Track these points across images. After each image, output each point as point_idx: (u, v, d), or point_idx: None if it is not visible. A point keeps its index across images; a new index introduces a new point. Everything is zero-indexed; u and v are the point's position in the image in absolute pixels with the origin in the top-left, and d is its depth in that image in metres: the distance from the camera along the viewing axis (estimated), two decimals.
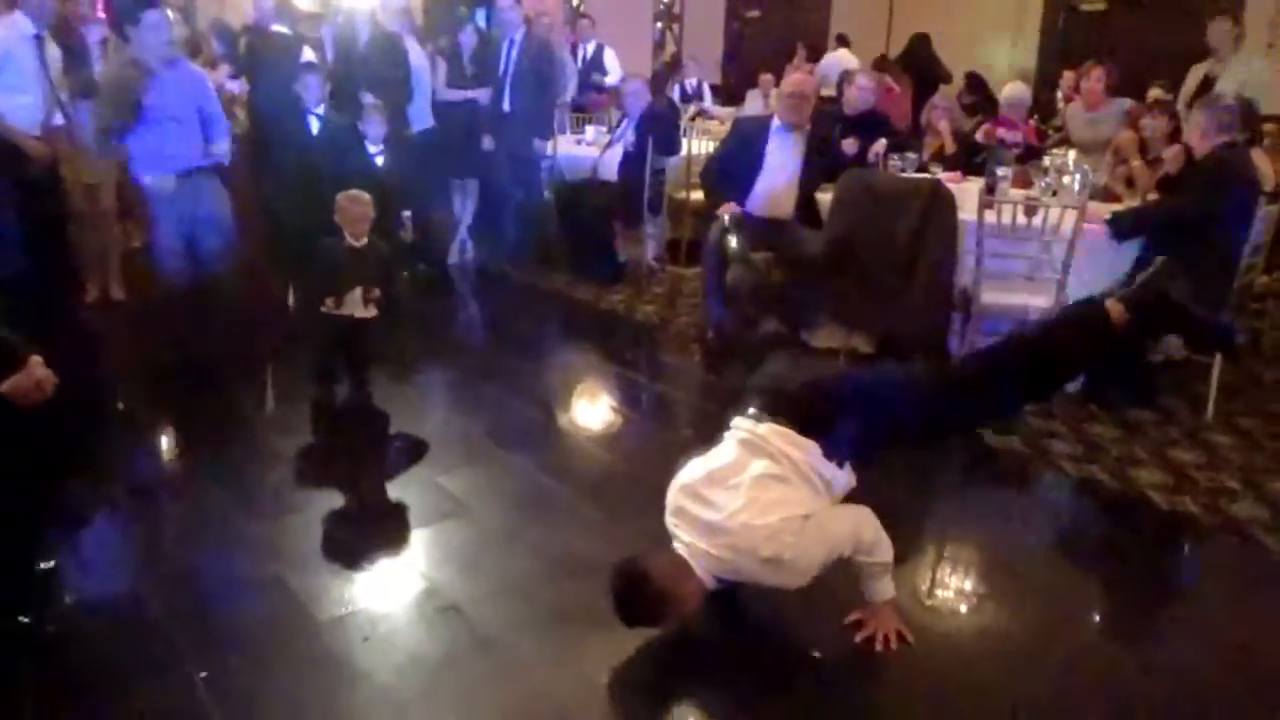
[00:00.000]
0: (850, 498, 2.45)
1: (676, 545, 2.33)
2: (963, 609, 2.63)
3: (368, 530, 2.94)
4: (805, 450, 2.34)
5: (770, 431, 2.37)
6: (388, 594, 2.59)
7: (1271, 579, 2.85)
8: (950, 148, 5.35)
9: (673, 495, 2.40)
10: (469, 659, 2.34)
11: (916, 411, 2.51)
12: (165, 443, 3.72)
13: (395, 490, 3.21)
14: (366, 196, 3.71)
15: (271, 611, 2.50)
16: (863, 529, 2.30)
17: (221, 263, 4.37)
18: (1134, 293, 2.43)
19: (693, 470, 2.40)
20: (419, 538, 2.89)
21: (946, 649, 2.44)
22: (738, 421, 2.46)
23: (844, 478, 2.42)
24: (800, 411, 2.39)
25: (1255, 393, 4.13)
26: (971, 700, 2.24)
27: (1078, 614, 2.65)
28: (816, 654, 2.40)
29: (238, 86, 6.03)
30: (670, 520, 2.38)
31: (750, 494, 2.26)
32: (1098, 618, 2.68)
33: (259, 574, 2.67)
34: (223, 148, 4.34)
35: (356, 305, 3.71)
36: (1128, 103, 5.64)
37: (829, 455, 2.35)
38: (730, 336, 4.28)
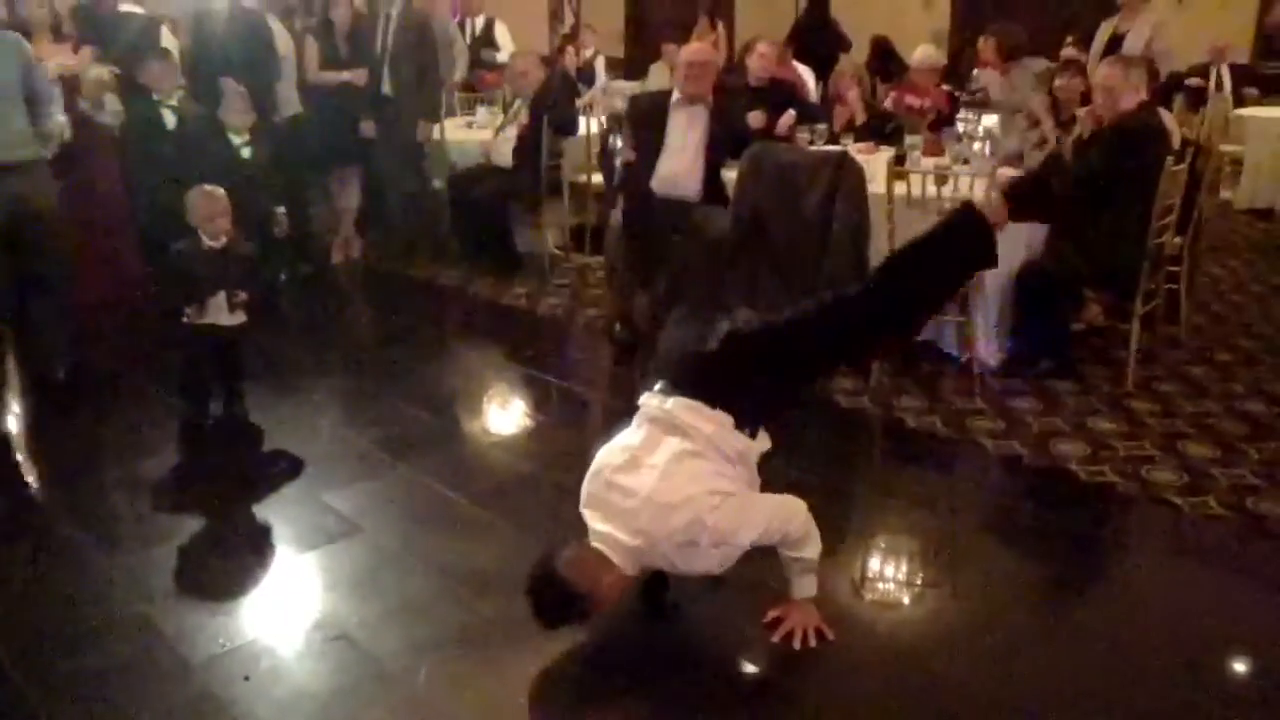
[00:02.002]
0: (769, 487, 2.51)
1: (592, 537, 2.35)
2: (889, 595, 2.72)
3: (246, 559, 2.89)
4: (717, 423, 2.38)
5: (678, 406, 2.41)
6: (271, 627, 2.55)
7: (1186, 541, 3.04)
8: (860, 118, 5.49)
9: (587, 484, 2.43)
10: (366, 690, 2.32)
11: (820, 353, 2.60)
12: (10, 472, 3.56)
13: (275, 513, 3.15)
14: (220, 191, 3.63)
15: (137, 655, 2.44)
16: (791, 521, 2.35)
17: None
18: None
19: (605, 456, 2.44)
20: (305, 563, 2.86)
21: (875, 636, 2.52)
22: (645, 399, 2.51)
23: (757, 446, 2.48)
24: (704, 383, 2.45)
25: (1172, 357, 4.36)
26: (910, 685, 2.32)
27: (1004, 592, 2.76)
28: (746, 661, 2.44)
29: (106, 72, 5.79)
30: (586, 511, 2.41)
31: (663, 472, 2.30)
32: (1025, 595, 2.80)
33: (122, 614, 2.60)
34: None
35: (221, 312, 3.63)
36: (1040, 63, 5.87)
37: (740, 425, 2.41)
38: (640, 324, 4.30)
